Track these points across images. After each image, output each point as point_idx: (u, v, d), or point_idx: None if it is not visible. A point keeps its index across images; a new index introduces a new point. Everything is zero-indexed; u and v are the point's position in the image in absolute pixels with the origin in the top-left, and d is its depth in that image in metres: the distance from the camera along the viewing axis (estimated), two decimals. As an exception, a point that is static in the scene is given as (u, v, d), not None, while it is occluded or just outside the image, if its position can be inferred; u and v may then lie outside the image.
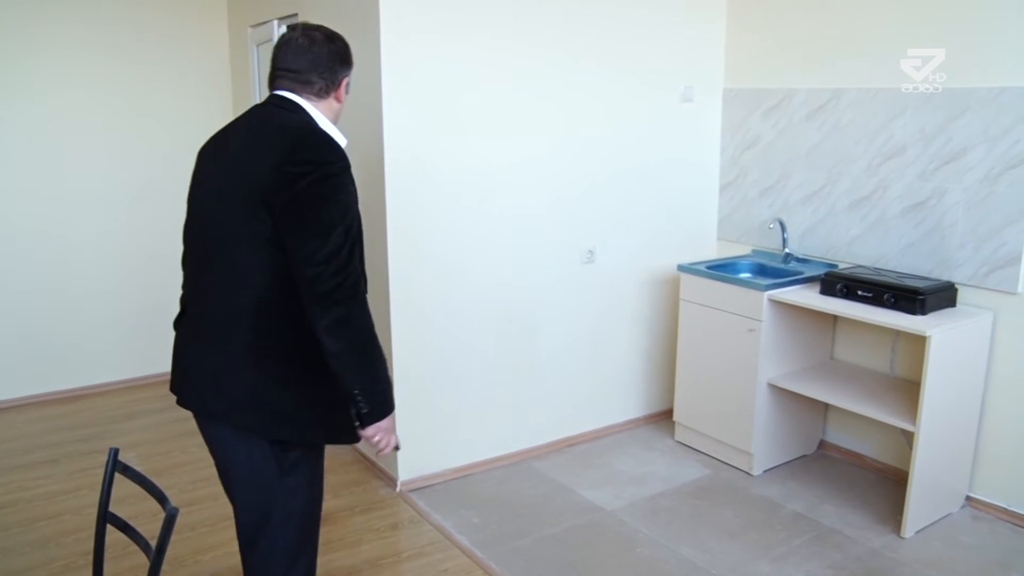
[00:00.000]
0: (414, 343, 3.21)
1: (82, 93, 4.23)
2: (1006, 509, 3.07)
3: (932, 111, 3.11)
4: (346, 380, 1.73)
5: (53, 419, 4.10)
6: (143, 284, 4.47)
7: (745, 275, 3.62)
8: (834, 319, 3.56)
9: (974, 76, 2.98)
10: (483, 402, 3.46)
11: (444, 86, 3.12)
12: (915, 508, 2.93)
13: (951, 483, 3.09)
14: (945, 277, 3.12)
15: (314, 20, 3.39)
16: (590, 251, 3.65)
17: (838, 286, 3.15)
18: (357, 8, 3.08)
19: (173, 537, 1.47)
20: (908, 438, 3.05)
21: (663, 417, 4.01)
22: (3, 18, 3.99)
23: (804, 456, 3.63)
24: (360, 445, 3.57)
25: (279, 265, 1.69)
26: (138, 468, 1.70)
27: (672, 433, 3.83)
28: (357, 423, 1.82)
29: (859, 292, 3.08)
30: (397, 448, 1.89)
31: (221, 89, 4.63)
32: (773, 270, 3.62)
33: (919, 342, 2.91)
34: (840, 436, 3.65)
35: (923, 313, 2.91)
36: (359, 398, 1.75)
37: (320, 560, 2.07)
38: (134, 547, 1.66)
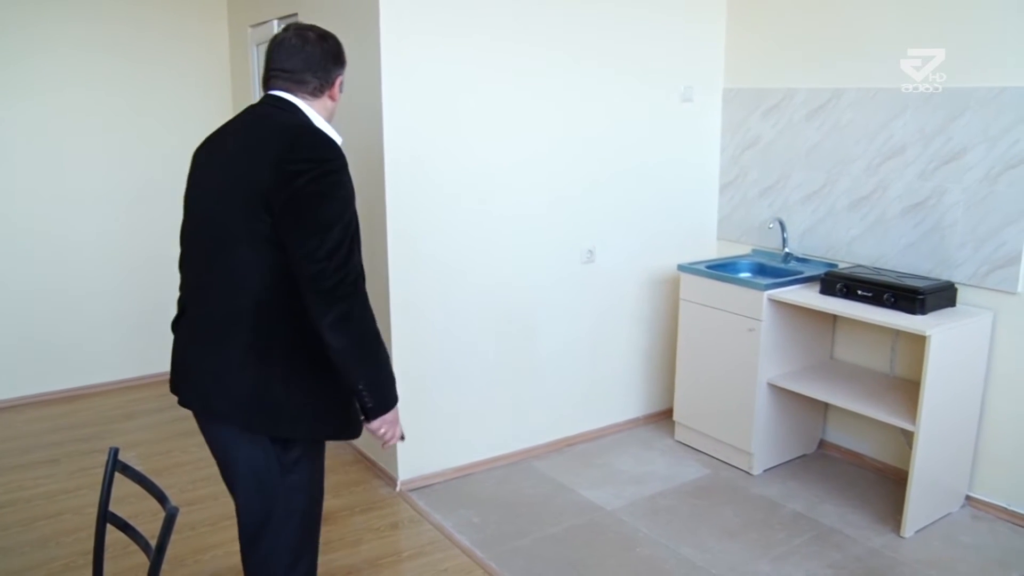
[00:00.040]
0: (414, 343, 3.22)
1: (82, 93, 4.23)
2: (1006, 509, 3.07)
3: (932, 111, 3.12)
4: (350, 375, 1.75)
5: (53, 419, 4.10)
6: (143, 284, 4.47)
7: (745, 275, 3.62)
8: (834, 319, 3.56)
9: (974, 76, 2.98)
10: (483, 402, 3.46)
11: (444, 86, 3.12)
12: (915, 508, 2.93)
13: (951, 483, 3.09)
14: (945, 277, 3.12)
15: (314, 20, 3.40)
16: (590, 251, 3.65)
17: (838, 286, 3.15)
18: (357, 8, 3.08)
19: (173, 536, 1.47)
20: (908, 438, 3.05)
21: (663, 417, 4.01)
22: (3, 18, 3.99)
23: (804, 456, 3.63)
24: (361, 442, 3.58)
25: (279, 264, 1.70)
26: (138, 468, 1.70)
27: (672, 433, 3.83)
28: (363, 417, 1.84)
29: (859, 292, 3.08)
30: (403, 438, 1.92)
31: (221, 89, 4.63)
32: (773, 270, 3.62)
33: (919, 342, 2.92)
34: (840, 436, 3.65)
35: (923, 313, 2.91)
36: (364, 393, 1.77)
37: (320, 560, 2.07)
38: (134, 547, 1.66)
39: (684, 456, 3.64)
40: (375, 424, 1.83)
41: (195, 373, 1.83)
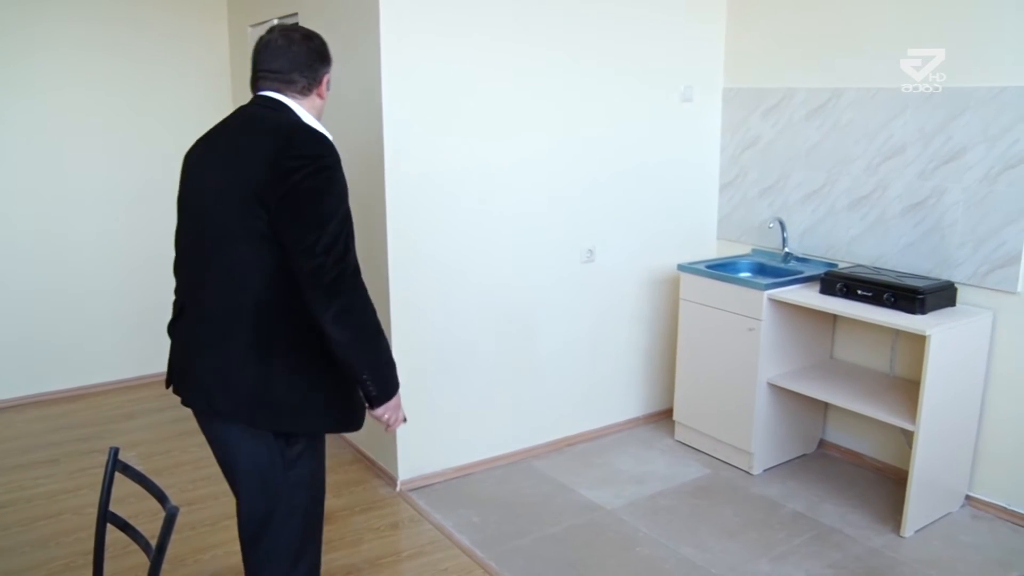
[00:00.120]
0: (414, 343, 3.22)
1: (82, 93, 4.23)
2: (1006, 508, 3.07)
3: (932, 111, 3.12)
4: (354, 367, 1.78)
5: (53, 419, 4.10)
6: (143, 284, 4.47)
7: (745, 274, 3.62)
8: (834, 318, 3.56)
9: (974, 76, 2.98)
10: (483, 402, 3.46)
11: (444, 86, 3.12)
12: (915, 507, 2.93)
13: (951, 482, 3.09)
14: (945, 276, 3.12)
15: (314, 20, 3.40)
16: (590, 251, 3.65)
17: (838, 285, 3.15)
18: (357, 8, 3.08)
19: (173, 536, 1.47)
20: (908, 437, 3.05)
21: (663, 416, 4.01)
22: (3, 18, 3.99)
23: (804, 455, 3.63)
24: (361, 442, 3.58)
25: (277, 262, 1.72)
26: (138, 467, 1.70)
27: (672, 432, 3.83)
28: (367, 404, 1.88)
29: (859, 291, 3.08)
30: (404, 420, 1.96)
31: (221, 89, 4.62)
32: (773, 269, 3.62)
33: (919, 341, 2.92)
34: (840, 435, 3.65)
35: (923, 312, 2.91)
36: (368, 382, 1.81)
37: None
38: (134, 546, 1.66)
39: (684, 456, 3.64)
40: (379, 411, 1.87)
41: (197, 373, 1.84)
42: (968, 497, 3.16)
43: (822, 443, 3.70)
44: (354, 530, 3.01)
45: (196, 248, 1.85)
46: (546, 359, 3.62)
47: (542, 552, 2.86)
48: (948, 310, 3.01)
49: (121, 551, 2.53)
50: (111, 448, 1.72)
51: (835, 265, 3.50)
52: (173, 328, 1.93)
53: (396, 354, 3.14)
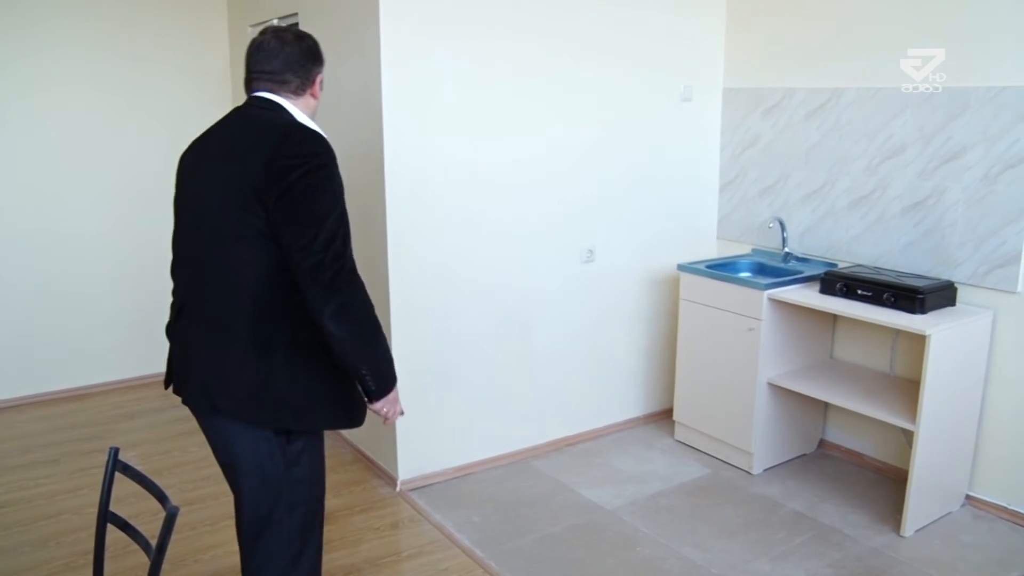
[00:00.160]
0: (415, 343, 3.22)
1: (82, 92, 4.23)
2: (1006, 508, 3.07)
3: (932, 110, 3.12)
4: (353, 362, 1.80)
5: (53, 419, 4.10)
6: (143, 284, 4.46)
7: (745, 274, 3.62)
8: (834, 318, 3.57)
9: (974, 76, 2.98)
10: (483, 402, 3.46)
11: (444, 86, 3.12)
12: (915, 507, 2.93)
13: (951, 482, 3.09)
14: (945, 276, 3.12)
15: (314, 20, 3.40)
16: (590, 251, 3.65)
17: (838, 285, 3.15)
18: (357, 8, 3.07)
19: (173, 536, 1.47)
20: (908, 437, 3.05)
21: (663, 416, 4.01)
22: (3, 18, 3.99)
23: (804, 455, 3.63)
24: (361, 442, 3.58)
25: (275, 260, 1.73)
26: (138, 467, 1.70)
27: (672, 432, 3.83)
28: (366, 398, 1.89)
29: (859, 291, 3.08)
30: (402, 413, 1.98)
31: (221, 88, 4.62)
32: (773, 269, 3.62)
33: (919, 341, 2.92)
34: (840, 435, 3.65)
35: (923, 312, 2.91)
36: (368, 377, 1.83)
37: (320, 559, 2.08)
38: (134, 546, 1.66)
39: (684, 455, 3.65)
40: (378, 405, 1.89)
41: (197, 372, 1.85)
42: (968, 497, 3.16)
43: (822, 443, 3.71)
44: (354, 530, 3.01)
45: (194, 248, 1.86)
46: (546, 359, 3.61)
47: (542, 552, 2.86)
48: (948, 310, 3.01)
49: (121, 551, 2.53)
50: (111, 448, 1.72)
51: (835, 265, 3.50)
52: (172, 330, 1.94)
53: (396, 355, 3.14)
